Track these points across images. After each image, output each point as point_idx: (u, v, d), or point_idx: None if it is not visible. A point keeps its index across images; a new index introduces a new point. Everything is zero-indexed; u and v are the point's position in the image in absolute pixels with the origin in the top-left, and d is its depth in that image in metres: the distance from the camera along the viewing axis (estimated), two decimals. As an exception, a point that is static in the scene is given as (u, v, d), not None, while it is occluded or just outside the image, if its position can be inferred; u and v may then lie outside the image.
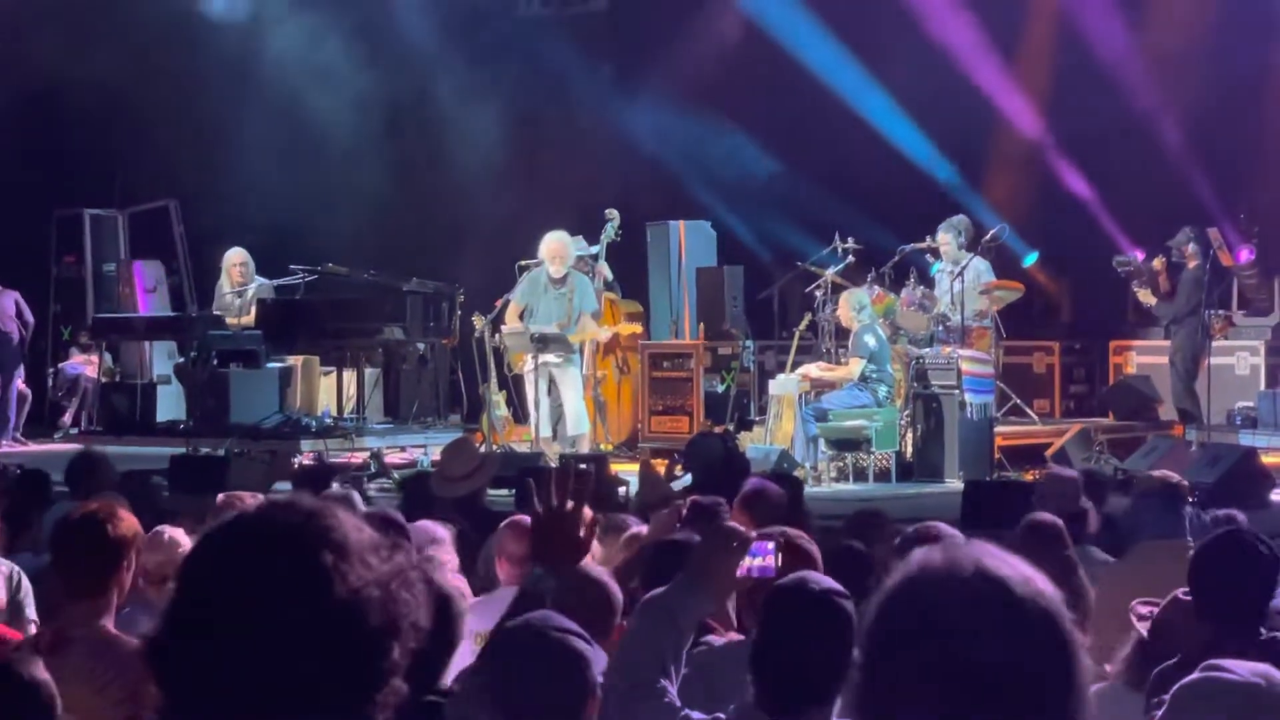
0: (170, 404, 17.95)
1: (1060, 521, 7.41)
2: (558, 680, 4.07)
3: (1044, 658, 2.13)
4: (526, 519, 7.15)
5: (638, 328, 17.99)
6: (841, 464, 15.30)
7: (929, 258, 17.14)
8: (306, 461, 14.16)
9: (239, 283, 17.84)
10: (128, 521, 5.38)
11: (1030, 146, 19.38)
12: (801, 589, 4.44)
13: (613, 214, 16.74)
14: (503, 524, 7.24)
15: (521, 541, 6.91)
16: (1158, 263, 17.15)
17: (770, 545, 4.88)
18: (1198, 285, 16.69)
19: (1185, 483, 9.26)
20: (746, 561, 4.76)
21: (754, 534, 4.88)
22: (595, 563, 6.61)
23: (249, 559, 2.17)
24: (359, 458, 15.80)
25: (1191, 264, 16.82)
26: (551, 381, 15.73)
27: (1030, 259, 18.03)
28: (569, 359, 15.72)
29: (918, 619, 2.15)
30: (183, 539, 6.50)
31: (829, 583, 4.47)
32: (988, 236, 16.59)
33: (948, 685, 2.10)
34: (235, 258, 17.96)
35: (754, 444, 15.12)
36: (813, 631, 4.31)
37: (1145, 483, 9.39)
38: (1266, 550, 5.41)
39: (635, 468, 15.22)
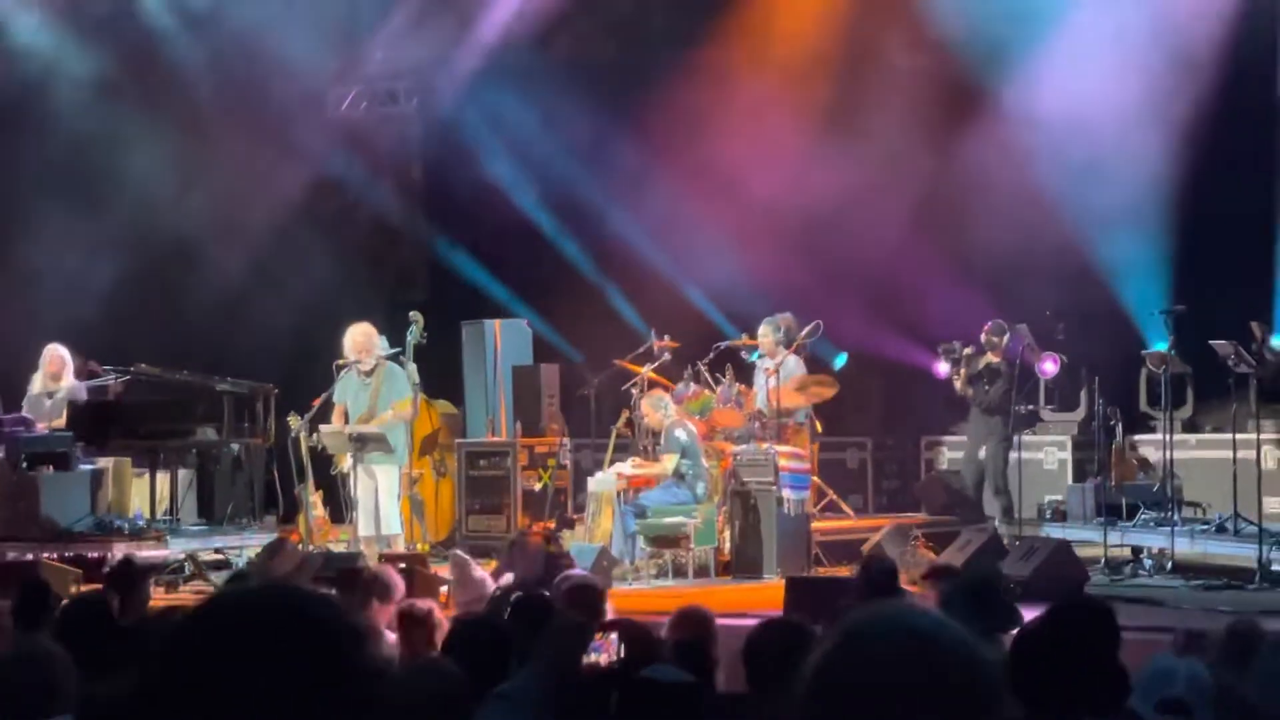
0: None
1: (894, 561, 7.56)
2: None
3: (976, 708, 2.21)
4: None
5: (453, 408, 18.03)
6: (661, 561, 15.34)
7: (743, 354, 17.29)
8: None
9: (51, 374, 17.55)
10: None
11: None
12: (655, 682, 4.47)
13: (416, 317, 16.70)
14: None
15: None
16: (968, 350, 17.51)
17: (613, 637, 4.91)
18: (1007, 378, 17.07)
19: None
20: (590, 656, 4.80)
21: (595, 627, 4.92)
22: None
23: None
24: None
25: (996, 357, 17.19)
26: (373, 479, 15.64)
27: (840, 360, 18.20)
28: (387, 458, 15.61)
29: (848, 676, 2.22)
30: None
31: (679, 674, 4.51)
32: (804, 332, 16.72)
33: None
34: (52, 353, 17.70)
35: (575, 541, 15.12)
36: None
37: None
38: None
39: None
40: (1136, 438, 17.39)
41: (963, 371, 17.46)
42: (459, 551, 12.79)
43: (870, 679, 2.21)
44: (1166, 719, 5.07)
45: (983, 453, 17.53)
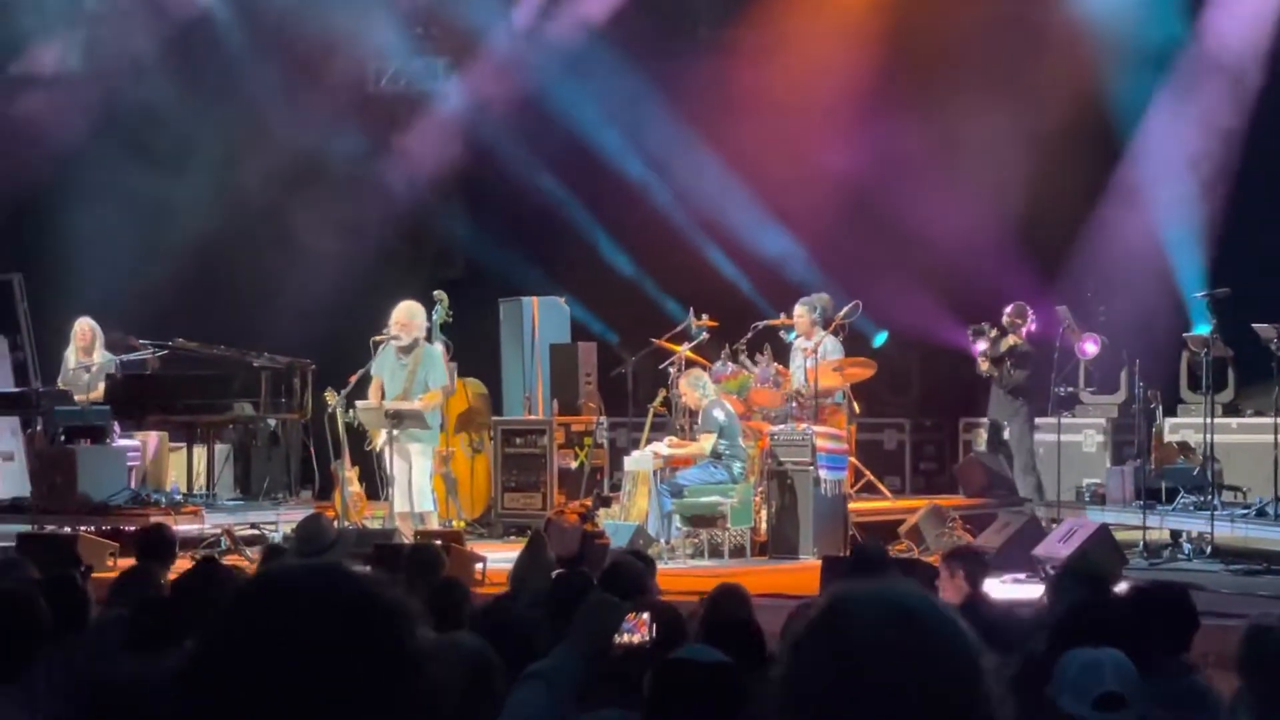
0: (14, 481, 17.62)
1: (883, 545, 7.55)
2: None
3: (951, 683, 2.20)
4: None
5: (482, 388, 18.07)
6: (696, 540, 15.31)
7: (781, 334, 17.23)
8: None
9: (83, 347, 17.64)
10: None
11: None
12: (690, 662, 4.42)
13: (441, 295, 16.68)
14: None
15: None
16: (993, 332, 17.47)
17: (645, 616, 4.87)
18: (1033, 360, 17.07)
19: None
20: (622, 636, 4.76)
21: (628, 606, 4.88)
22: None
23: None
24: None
25: (1019, 339, 17.15)
26: (406, 457, 15.63)
27: (880, 339, 18.12)
28: (421, 434, 15.60)
29: (831, 643, 2.22)
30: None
31: (716, 655, 4.46)
32: (842, 313, 16.64)
33: (857, 707, 2.17)
34: (83, 326, 17.78)
35: (610, 520, 15.10)
36: (703, 705, 4.30)
37: None
38: None
39: (490, 545, 15.27)
40: (1176, 420, 17.26)
41: (988, 352, 17.42)
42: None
43: (852, 649, 2.20)
44: (1106, 716, 4.98)
45: (1007, 434, 17.49)
